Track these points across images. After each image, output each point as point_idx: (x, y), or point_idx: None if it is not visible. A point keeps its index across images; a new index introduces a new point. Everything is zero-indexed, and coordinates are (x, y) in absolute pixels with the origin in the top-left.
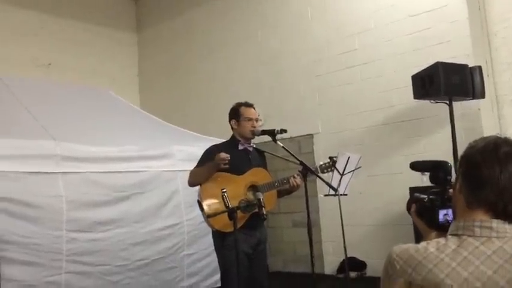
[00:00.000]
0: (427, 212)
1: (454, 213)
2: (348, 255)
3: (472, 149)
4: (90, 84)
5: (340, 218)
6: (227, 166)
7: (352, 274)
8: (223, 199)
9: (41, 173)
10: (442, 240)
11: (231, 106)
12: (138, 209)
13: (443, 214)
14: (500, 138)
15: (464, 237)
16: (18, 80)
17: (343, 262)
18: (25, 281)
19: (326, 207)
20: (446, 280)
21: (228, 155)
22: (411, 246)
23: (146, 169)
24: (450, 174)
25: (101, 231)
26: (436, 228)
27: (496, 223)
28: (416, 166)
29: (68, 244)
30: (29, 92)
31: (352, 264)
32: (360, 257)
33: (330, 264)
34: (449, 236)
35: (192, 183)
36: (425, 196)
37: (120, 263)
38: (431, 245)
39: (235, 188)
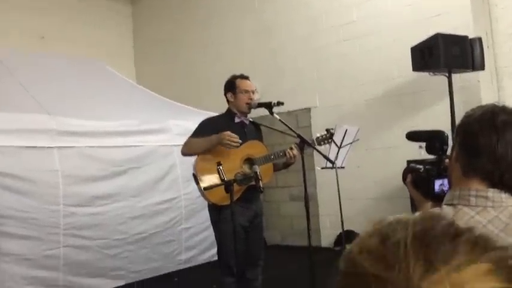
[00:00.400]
0: (422, 182)
1: (449, 182)
2: (345, 229)
3: (469, 117)
4: (85, 56)
5: (337, 191)
6: (237, 145)
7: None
8: (218, 172)
9: (36, 148)
10: (437, 210)
11: (226, 79)
12: (136, 183)
13: (439, 184)
14: (497, 106)
15: (459, 207)
16: (11, 53)
17: (340, 235)
18: (23, 255)
19: (323, 181)
20: None
21: (238, 137)
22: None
23: (143, 144)
24: (446, 144)
25: (98, 206)
26: (432, 199)
27: (492, 192)
28: (412, 136)
29: (65, 218)
30: (22, 64)
31: (349, 237)
32: (357, 230)
33: (327, 237)
34: (444, 206)
35: (186, 153)
36: (421, 166)
37: (118, 237)
38: None
39: (231, 161)
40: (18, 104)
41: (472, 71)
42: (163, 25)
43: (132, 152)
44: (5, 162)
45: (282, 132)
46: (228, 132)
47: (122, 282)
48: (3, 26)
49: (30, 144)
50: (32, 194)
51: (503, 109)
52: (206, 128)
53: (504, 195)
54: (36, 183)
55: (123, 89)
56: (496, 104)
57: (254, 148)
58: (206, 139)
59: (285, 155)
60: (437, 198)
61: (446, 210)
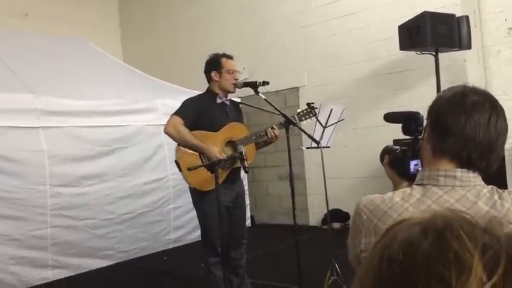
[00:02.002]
0: (399, 162)
1: (421, 163)
2: (333, 207)
3: (439, 98)
4: (70, 35)
5: (323, 170)
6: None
7: (336, 225)
8: (200, 158)
9: (20, 128)
10: (407, 190)
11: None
12: (123, 163)
13: (414, 164)
14: (467, 87)
15: (428, 186)
16: None
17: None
18: (11, 235)
19: (311, 161)
20: None
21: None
22: (378, 196)
23: (130, 123)
24: (422, 125)
25: (86, 186)
26: (407, 179)
27: (460, 172)
28: (389, 118)
29: (52, 199)
30: (5, 43)
31: (336, 215)
32: (344, 209)
33: (315, 216)
34: (415, 186)
35: (171, 136)
36: (398, 147)
37: (106, 217)
38: (397, 195)
39: (213, 145)
40: (1, 83)
41: (459, 50)
42: (149, 3)
43: (119, 131)
44: None
45: (266, 111)
46: (218, 154)
47: (110, 262)
48: None
49: (14, 124)
50: (18, 174)
51: (473, 90)
52: (190, 108)
53: (472, 175)
54: (22, 164)
55: (109, 67)
56: (466, 84)
57: (235, 130)
58: (194, 144)
59: (266, 134)
60: (413, 178)
61: (417, 190)
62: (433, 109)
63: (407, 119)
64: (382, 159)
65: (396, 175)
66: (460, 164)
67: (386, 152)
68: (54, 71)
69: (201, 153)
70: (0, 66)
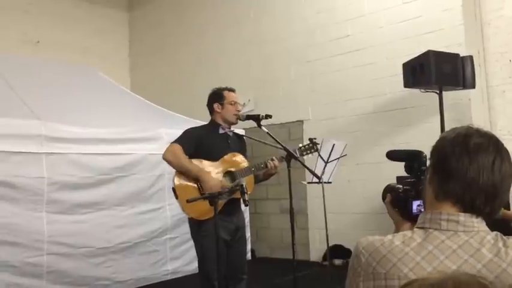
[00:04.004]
0: (401, 202)
1: (424, 204)
2: (335, 243)
3: (442, 140)
4: (80, 64)
5: (324, 205)
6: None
7: (338, 261)
8: (198, 188)
9: (24, 153)
10: (408, 233)
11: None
12: (121, 192)
13: (417, 205)
14: (471, 128)
15: (430, 230)
16: (4, 57)
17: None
18: (7, 262)
19: (314, 195)
20: (410, 274)
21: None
22: (377, 238)
23: (133, 152)
24: (425, 165)
25: (82, 213)
26: (410, 219)
27: (463, 217)
28: (392, 156)
29: (48, 225)
30: (15, 69)
31: (338, 251)
32: (346, 244)
33: (316, 251)
34: (416, 229)
35: (169, 162)
36: (400, 186)
37: (102, 245)
38: (397, 238)
39: (211, 175)
40: (8, 108)
41: (463, 89)
42: (159, 34)
43: (121, 159)
44: None
45: (269, 144)
46: (217, 186)
47: None
48: None
49: (18, 149)
50: (16, 200)
51: (477, 131)
52: (190, 137)
53: (476, 220)
54: (21, 189)
55: (115, 95)
56: (470, 125)
57: (234, 161)
58: (191, 169)
59: (266, 166)
60: (415, 219)
61: (418, 233)
62: (436, 150)
63: (410, 158)
64: (384, 197)
65: (398, 215)
66: (463, 208)
67: (388, 190)
68: (62, 98)
69: (199, 181)
70: (8, 91)
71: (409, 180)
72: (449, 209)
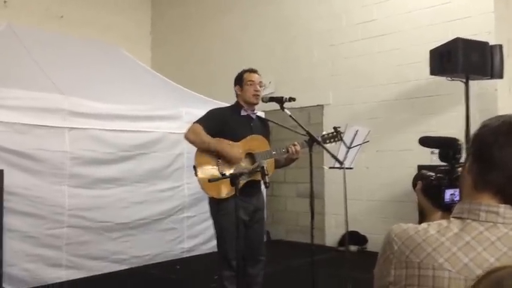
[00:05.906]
0: (433, 190)
1: (460, 194)
2: (350, 229)
3: (485, 127)
4: (102, 40)
5: (345, 191)
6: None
7: (353, 248)
8: (218, 166)
9: (47, 127)
10: (444, 222)
11: (240, 70)
12: (142, 169)
13: (450, 194)
14: None
15: (468, 221)
16: (28, 30)
17: (344, 235)
18: (27, 232)
19: (331, 180)
20: (445, 265)
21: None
22: (411, 226)
23: (153, 130)
24: (460, 153)
25: (103, 189)
26: (441, 208)
27: (503, 208)
28: (426, 141)
29: (70, 199)
30: (39, 43)
31: (353, 238)
32: (362, 231)
33: (332, 236)
34: (453, 219)
35: (190, 141)
36: (433, 174)
37: (121, 221)
38: (432, 227)
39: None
40: (32, 82)
41: (490, 78)
42: (182, 12)
43: (142, 137)
44: (14, 139)
45: (289, 129)
46: (238, 155)
47: (123, 267)
48: (24, 2)
49: (41, 123)
50: (39, 173)
51: None
52: (213, 117)
53: None
54: (44, 163)
55: (137, 73)
56: None
57: (256, 143)
58: (212, 144)
59: (288, 151)
60: (447, 208)
61: (454, 223)
62: (478, 138)
63: (444, 145)
64: (414, 184)
65: (429, 203)
66: (504, 199)
67: (419, 177)
68: (84, 74)
69: (220, 154)
70: (32, 65)
71: (442, 168)
72: (488, 199)
